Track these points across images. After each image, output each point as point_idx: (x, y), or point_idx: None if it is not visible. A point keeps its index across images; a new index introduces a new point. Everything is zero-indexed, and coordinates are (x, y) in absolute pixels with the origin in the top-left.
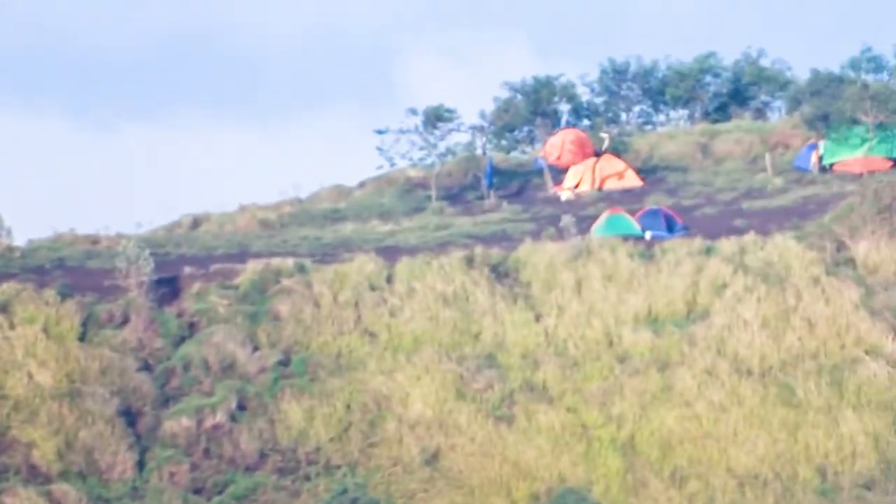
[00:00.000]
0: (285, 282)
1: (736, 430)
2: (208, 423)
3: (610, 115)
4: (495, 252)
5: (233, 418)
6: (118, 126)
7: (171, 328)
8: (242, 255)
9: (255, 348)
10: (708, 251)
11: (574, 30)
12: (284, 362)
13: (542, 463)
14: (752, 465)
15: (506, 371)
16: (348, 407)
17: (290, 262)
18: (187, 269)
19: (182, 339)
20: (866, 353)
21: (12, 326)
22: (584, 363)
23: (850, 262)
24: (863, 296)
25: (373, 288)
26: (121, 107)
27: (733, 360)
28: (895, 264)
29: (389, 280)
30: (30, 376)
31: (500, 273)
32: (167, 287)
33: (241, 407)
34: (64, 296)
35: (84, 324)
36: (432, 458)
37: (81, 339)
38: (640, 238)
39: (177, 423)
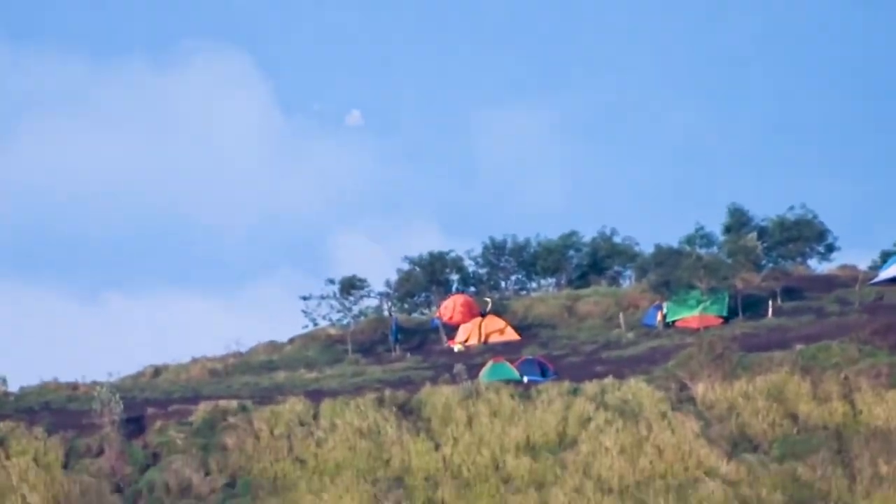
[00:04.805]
0: (231, 419)
1: None
2: None
3: (492, 282)
4: (401, 394)
5: None
6: (97, 293)
7: (138, 457)
8: (195, 398)
9: (207, 473)
10: (575, 391)
11: (465, 215)
12: (231, 484)
13: None
14: None
15: (411, 491)
16: None
17: (234, 403)
18: (150, 410)
19: (147, 467)
20: (706, 473)
21: (8, 457)
22: (475, 484)
23: (691, 399)
24: (702, 427)
25: (302, 424)
26: (99, 278)
27: (597, 480)
28: (727, 401)
29: (315, 417)
30: (23, 498)
31: (405, 411)
32: (134, 424)
33: None
34: (50, 432)
35: (67, 455)
36: None
37: (65, 467)
38: (519, 382)
39: None
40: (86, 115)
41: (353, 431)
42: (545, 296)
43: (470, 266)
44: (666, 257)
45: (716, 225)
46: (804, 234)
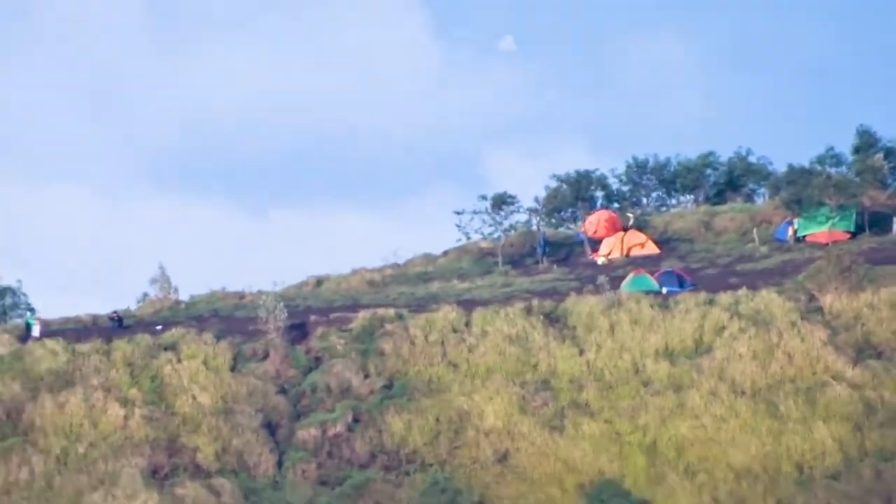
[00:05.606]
0: (388, 326)
1: (733, 436)
2: (331, 432)
3: (634, 199)
4: (548, 303)
5: (349, 429)
6: (264, 208)
7: (301, 361)
8: (355, 307)
9: (366, 376)
10: (710, 302)
11: (610, 135)
12: (388, 386)
13: (586, 461)
14: (746, 462)
15: (557, 392)
16: (438, 419)
17: (391, 311)
18: (313, 317)
19: (310, 370)
20: (832, 378)
21: (179, 361)
22: (617, 386)
23: (819, 310)
24: (829, 335)
25: (455, 330)
26: (266, 194)
27: (731, 383)
28: (853, 311)
29: (467, 325)
30: (193, 398)
31: (551, 319)
32: (298, 330)
33: (356, 420)
34: (218, 337)
35: (234, 358)
36: (502, 458)
37: (232, 369)
38: (658, 292)
39: (307, 433)
40: (255, 38)
41: (503, 338)
42: (684, 212)
43: (614, 183)
44: (798, 176)
45: (845, 146)
46: None
